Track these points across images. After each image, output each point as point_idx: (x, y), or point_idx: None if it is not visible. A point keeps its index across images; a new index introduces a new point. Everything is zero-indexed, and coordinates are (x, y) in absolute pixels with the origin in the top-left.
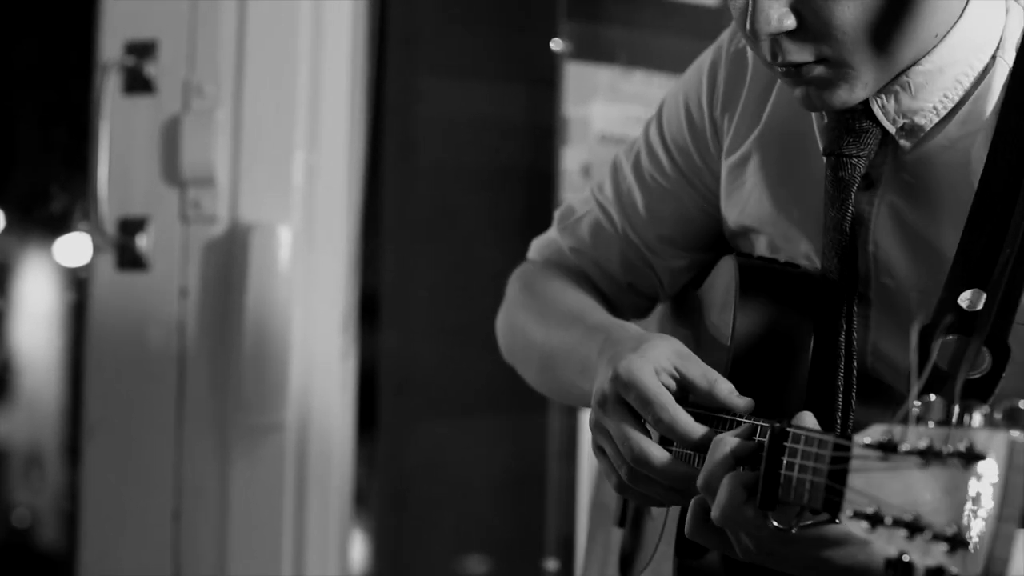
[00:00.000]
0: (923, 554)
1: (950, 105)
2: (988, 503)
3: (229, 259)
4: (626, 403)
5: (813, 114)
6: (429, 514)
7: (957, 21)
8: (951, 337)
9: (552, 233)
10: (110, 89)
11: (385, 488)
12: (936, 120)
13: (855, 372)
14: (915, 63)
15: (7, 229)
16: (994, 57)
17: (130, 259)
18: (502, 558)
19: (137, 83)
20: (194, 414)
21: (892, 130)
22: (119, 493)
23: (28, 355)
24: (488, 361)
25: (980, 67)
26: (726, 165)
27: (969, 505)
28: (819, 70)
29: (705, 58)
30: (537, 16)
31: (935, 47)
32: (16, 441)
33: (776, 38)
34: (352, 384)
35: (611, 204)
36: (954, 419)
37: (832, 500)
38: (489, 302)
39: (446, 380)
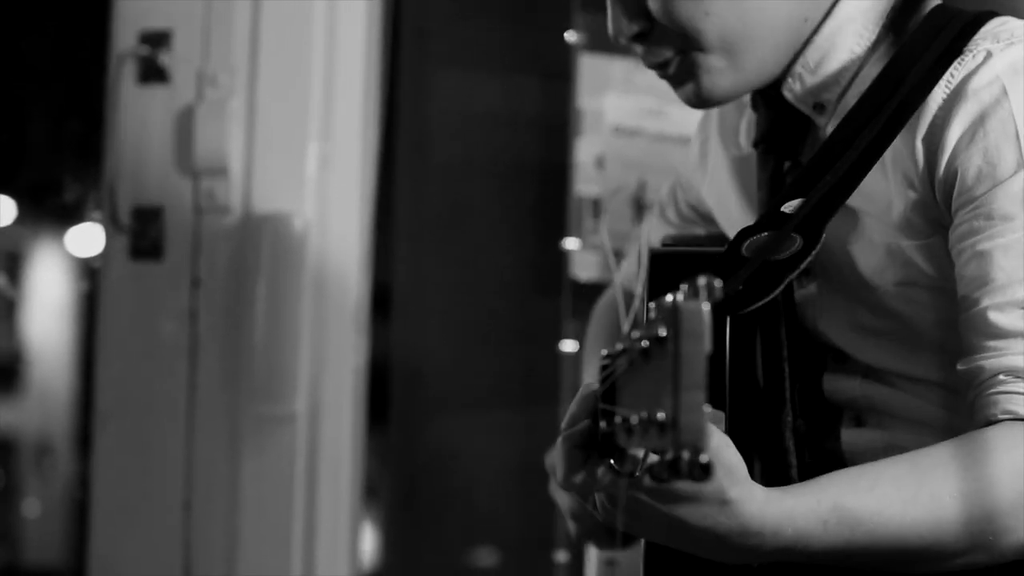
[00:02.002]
0: (642, 443)
1: (849, 76)
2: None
3: (242, 249)
4: None
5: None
6: (439, 506)
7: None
8: (764, 234)
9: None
10: (124, 79)
11: (395, 480)
12: (839, 92)
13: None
14: (807, 44)
15: (19, 219)
16: (887, 27)
17: (143, 249)
18: (512, 550)
19: (151, 73)
20: (205, 404)
21: (806, 111)
22: (130, 483)
23: (39, 345)
24: (499, 354)
25: (871, 37)
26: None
27: (668, 385)
28: (680, 66)
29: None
30: (551, 8)
31: (820, 25)
32: (27, 431)
33: (637, 43)
34: (363, 376)
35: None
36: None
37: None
38: (501, 295)
39: (457, 373)
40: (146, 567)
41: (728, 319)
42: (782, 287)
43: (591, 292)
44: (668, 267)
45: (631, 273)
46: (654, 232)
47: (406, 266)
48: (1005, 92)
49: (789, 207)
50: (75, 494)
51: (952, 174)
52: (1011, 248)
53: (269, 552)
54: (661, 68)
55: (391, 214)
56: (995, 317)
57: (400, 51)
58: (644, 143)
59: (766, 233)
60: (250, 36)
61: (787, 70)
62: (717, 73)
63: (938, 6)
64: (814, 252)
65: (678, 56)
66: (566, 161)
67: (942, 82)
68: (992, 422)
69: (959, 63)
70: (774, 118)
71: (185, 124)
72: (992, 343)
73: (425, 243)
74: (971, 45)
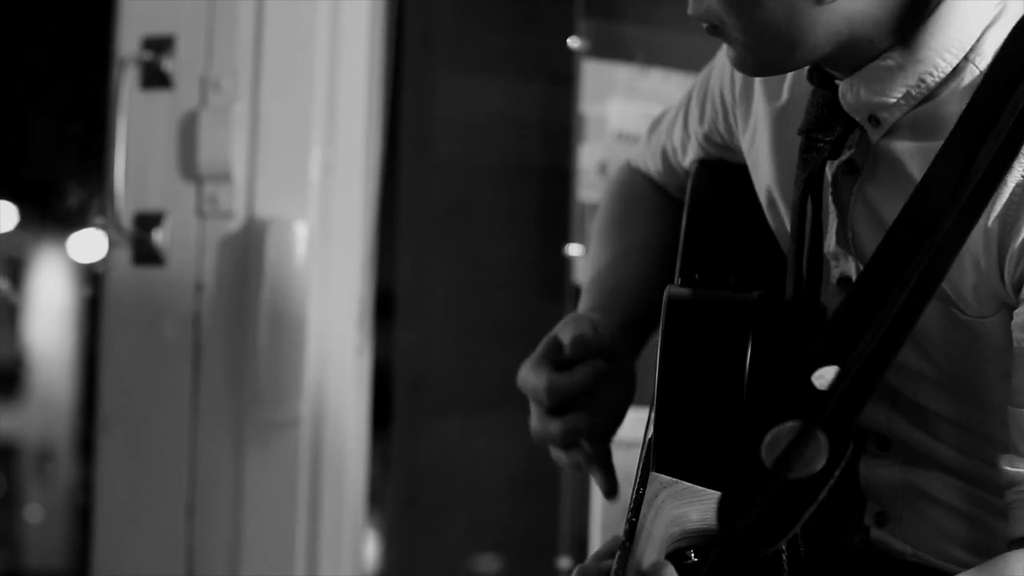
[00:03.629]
0: None
1: (913, 103)
2: None
3: (245, 254)
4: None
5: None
6: (442, 512)
7: (922, 24)
8: (788, 426)
9: (643, 142)
10: (127, 84)
11: (399, 485)
12: (900, 115)
13: None
14: (876, 57)
15: (22, 224)
16: (966, 58)
17: (146, 254)
18: (515, 557)
19: (154, 78)
20: (209, 408)
21: (857, 119)
22: (133, 487)
23: (41, 351)
24: (503, 358)
25: (946, 68)
26: (750, 144)
27: None
28: (723, 35)
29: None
30: (554, 13)
31: (896, 45)
32: (29, 436)
33: None
34: (367, 381)
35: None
36: None
37: None
38: (504, 300)
39: (461, 378)
40: (150, 572)
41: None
42: (799, 525)
43: None
44: (689, 318)
45: (646, 155)
46: (678, 143)
47: (410, 270)
48: None
49: (821, 380)
50: (78, 499)
51: None
52: None
53: (273, 557)
54: (703, 23)
55: (395, 218)
56: None
57: (403, 55)
58: None
59: (790, 425)
60: (253, 41)
61: (846, 65)
62: (757, 60)
63: (1017, 31)
64: (837, 472)
65: (718, 28)
66: (569, 167)
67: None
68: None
69: None
70: (823, 106)
71: (188, 129)
72: None
73: (429, 247)
74: None
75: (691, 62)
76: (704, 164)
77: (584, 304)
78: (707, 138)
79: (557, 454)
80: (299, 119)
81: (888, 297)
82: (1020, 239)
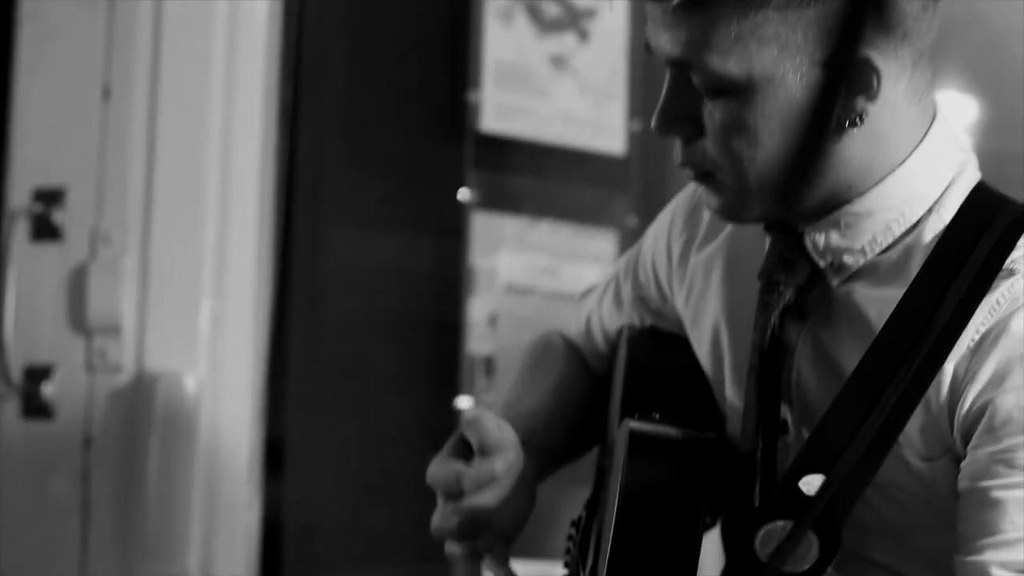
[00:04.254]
0: None
1: (878, 249)
2: None
3: (135, 408)
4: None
5: (765, 240)
6: None
7: (893, 171)
8: (779, 525)
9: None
10: (17, 236)
11: None
12: (864, 262)
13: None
14: (847, 203)
15: None
16: (931, 210)
17: (35, 407)
18: None
19: (44, 230)
20: (98, 564)
21: (821, 265)
22: None
23: None
24: (394, 511)
25: (914, 217)
26: (687, 307)
27: None
28: (709, 181)
29: (671, 205)
30: (444, 166)
31: (865, 193)
32: None
33: (679, 139)
34: (256, 534)
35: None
36: None
37: None
38: (394, 453)
39: (351, 531)
40: None
41: None
42: None
43: None
44: (650, 454)
45: (570, 320)
46: (606, 312)
47: (300, 422)
48: None
49: (808, 486)
50: None
51: (979, 410)
52: None
53: None
54: (691, 172)
55: (285, 370)
56: (998, 574)
57: (294, 207)
58: (537, 301)
59: (780, 524)
60: (144, 194)
61: (813, 212)
62: (745, 207)
63: (979, 187)
64: (827, 570)
65: (712, 174)
66: (459, 319)
67: (985, 305)
68: None
69: (1009, 287)
70: (785, 250)
71: (78, 282)
72: None
73: (318, 400)
74: (1022, 262)
75: (580, 214)
76: (638, 328)
77: None
78: (640, 302)
79: (452, 548)
80: (189, 272)
81: (863, 423)
82: (975, 389)
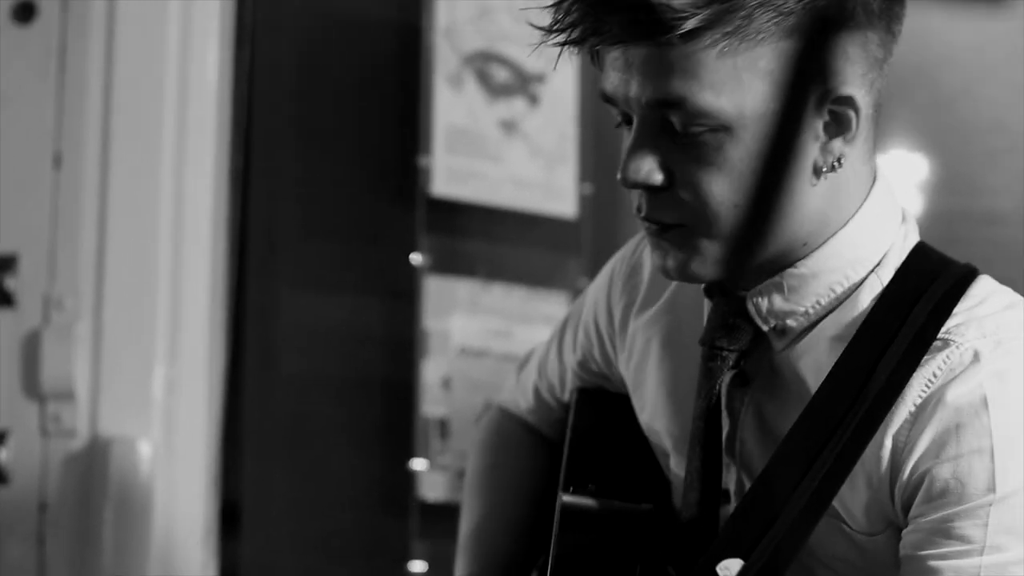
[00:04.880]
0: None
1: (822, 311)
2: None
3: (89, 473)
4: None
5: (705, 306)
6: None
7: (839, 230)
8: None
9: (512, 382)
10: None
11: None
12: (807, 324)
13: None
14: (791, 265)
15: None
16: (873, 271)
17: None
18: None
19: None
20: None
21: (764, 329)
22: None
23: None
24: (350, 572)
25: (856, 278)
26: (628, 371)
27: None
28: (675, 234)
29: (608, 267)
30: (396, 229)
31: (811, 252)
32: None
33: (643, 191)
34: None
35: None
36: None
37: None
38: (348, 515)
39: None
40: None
41: None
42: None
43: (439, 512)
44: (582, 528)
45: (516, 394)
46: (553, 376)
47: (254, 486)
48: (985, 404)
49: (726, 571)
50: None
51: (917, 480)
52: (962, 572)
53: None
54: (653, 227)
55: (239, 433)
56: None
57: (247, 270)
58: (491, 363)
59: None
60: (96, 260)
61: (758, 274)
62: (710, 260)
63: (919, 248)
64: None
65: (678, 228)
66: (412, 381)
67: (923, 376)
68: None
69: (945, 358)
70: (727, 315)
71: (31, 348)
72: None
73: (272, 462)
74: (957, 332)
75: (532, 277)
76: (584, 391)
77: (463, 565)
78: (582, 366)
79: None
80: (142, 337)
81: (789, 500)
82: (913, 459)
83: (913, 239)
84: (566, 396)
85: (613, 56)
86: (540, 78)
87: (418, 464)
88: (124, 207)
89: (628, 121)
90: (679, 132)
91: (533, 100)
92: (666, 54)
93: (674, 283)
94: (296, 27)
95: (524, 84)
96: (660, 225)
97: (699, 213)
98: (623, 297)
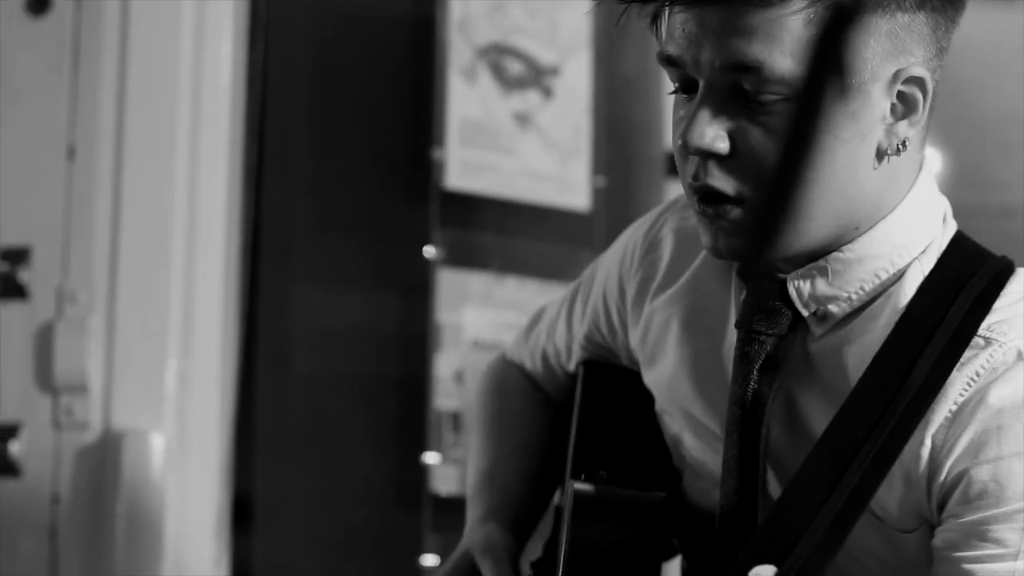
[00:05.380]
0: None
1: (865, 298)
2: None
3: (102, 466)
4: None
5: (733, 288)
6: None
7: (887, 215)
8: None
9: (520, 338)
10: None
11: None
12: (849, 310)
13: None
14: (836, 249)
15: None
16: (916, 259)
17: (2, 466)
18: None
19: (10, 289)
20: None
21: (805, 314)
22: None
23: None
24: (362, 567)
25: (902, 264)
26: (643, 348)
27: None
28: (735, 213)
29: (623, 239)
30: (409, 223)
31: (857, 237)
32: None
33: (704, 159)
34: None
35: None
36: None
37: None
38: (362, 510)
39: None
40: None
41: None
42: None
43: (451, 506)
44: (595, 516)
45: (523, 352)
46: (561, 343)
47: (267, 481)
48: None
49: None
50: None
51: (955, 480)
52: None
53: None
54: (707, 199)
55: (252, 429)
56: None
57: (260, 266)
58: None
59: None
60: (109, 253)
61: (803, 256)
62: (765, 238)
63: (957, 238)
64: None
65: (736, 205)
66: (425, 375)
67: (964, 374)
68: None
69: (988, 357)
70: (766, 297)
71: (44, 341)
72: None
73: (286, 458)
74: (999, 330)
75: (545, 270)
76: (591, 366)
77: (476, 510)
78: (588, 339)
79: None
80: (155, 330)
81: (824, 504)
82: (951, 459)
83: (952, 228)
84: (571, 366)
85: (683, 18)
86: (554, 71)
87: (431, 458)
88: (138, 201)
89: (687, 89)
90: (750, 100)
91: (547, 93)
92: (749, 17)
93: (696, 264)
94: (309, 22)
95: (538, 77)
96: (714, 197)
97: (762, 185)
98: (639, 272)
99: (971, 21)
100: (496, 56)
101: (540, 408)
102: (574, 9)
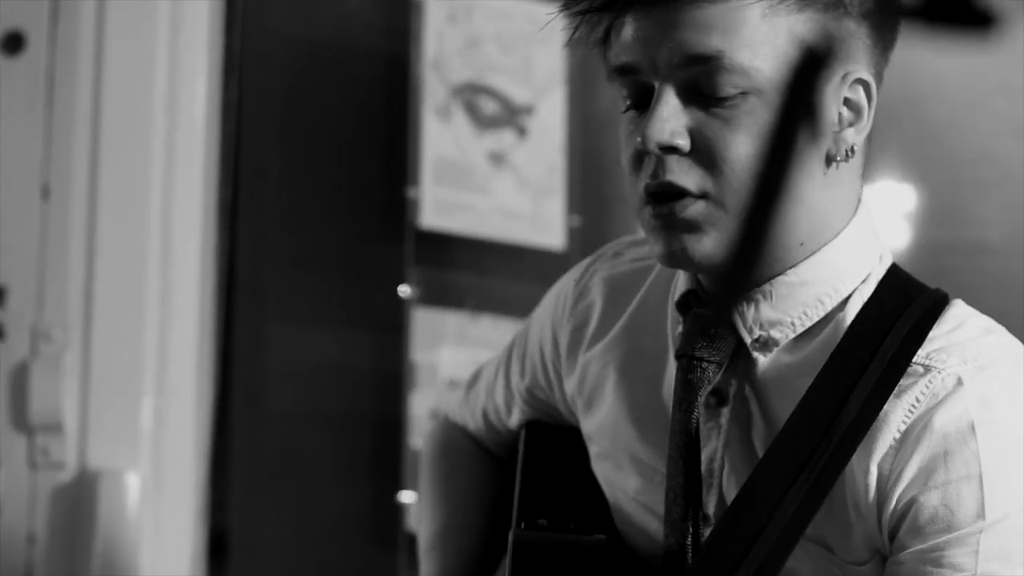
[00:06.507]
0: None
1: (808, 323)
2: None
3: (77, 505)
4: None
5: (669, 329)
6: None
7: (830, 241)
8: None
9: (462, 399)
10: None
11: None
12: (792, 336)
13: None
14: (779, 273)
15: None
16: (857, 288)
17: None
18: None
19: None
20: None
21: (748, 340)
22: None
23: None
24: None
25: (845, 292)
26: (580, 396)
27: None
28: (694, 208)
29: (554, 290)
30: (384, 262)
31: (803, 260)
32: None
33: (663, 156)
34: None
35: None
36: None
37: None
38: (337, 548)
39: None
40: None
41: None
42: None
43: None
44: (535, 562)
45: (465, 412)
46: (500, 403)
47: (243, 517)
48: (972, 431)
49: None
50: None
51: (904, 508)
52: None
53: None
54: (661, 197)
55: (227, 467)
56: None
57: (235, 303)
58: None
59: None
60: (84, 291)
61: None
62: (721, 241)
63: (893, 269)
64: None
65: (696, 200)
66: (400, 414)
67: (903, 402)
68: None
69: (927, 383)
70: (707, 324)
71: (19, 380)
72: None
73: (261, 496)
74: (937, 358)
75: (520, 309)
76: (533, 425)
77: (429, 568)
78: (529, 392)
79: None
80: (130, 369)
81: (760, 534)
82: (900, 487)
83: (888, 260)
84: (512, 422)
85: (637, 24)
86: (528, 110)
87: (406, 497)
88: (112, 239)
89: (639, 104)
90: (708, 95)
91: (521, 132)
92: (707, 10)
93: (629, 310)
94: (284, 60)
95: (512, 116)
96: (670, 195)
97: (722, 180)
98: (571, 321)
99: (943, 60)
100: (471, 95)
101: (486, 465)
102: (548, 47)
